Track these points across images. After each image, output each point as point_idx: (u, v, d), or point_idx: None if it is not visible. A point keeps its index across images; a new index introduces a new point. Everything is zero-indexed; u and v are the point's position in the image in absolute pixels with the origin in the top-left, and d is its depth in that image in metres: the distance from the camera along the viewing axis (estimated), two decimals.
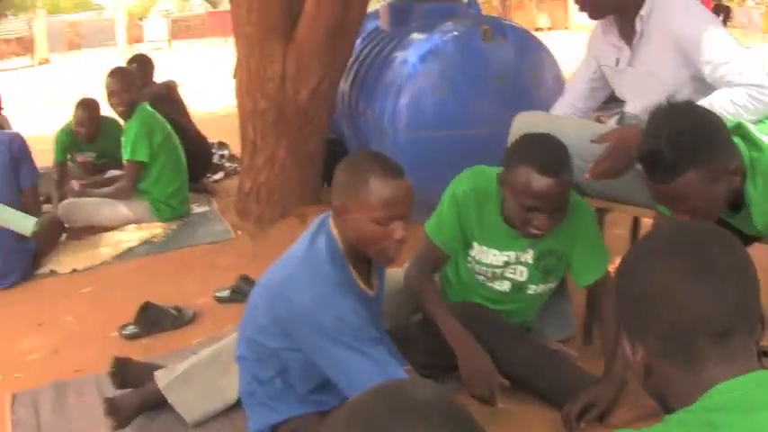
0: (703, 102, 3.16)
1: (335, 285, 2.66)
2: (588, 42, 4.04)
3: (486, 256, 3.44)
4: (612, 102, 4.26)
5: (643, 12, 3.47)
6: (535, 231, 3.15)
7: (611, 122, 3.95)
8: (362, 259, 2.82)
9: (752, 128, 2.78)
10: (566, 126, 3.78)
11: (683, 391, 1.48)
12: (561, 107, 4.17)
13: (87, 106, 6.91)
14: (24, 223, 4.03)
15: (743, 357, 1.45)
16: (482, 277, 3.53)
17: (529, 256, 3.42)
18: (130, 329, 4.30)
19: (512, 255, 3.41)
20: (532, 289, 3.53)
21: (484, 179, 3.39)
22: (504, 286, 3.53)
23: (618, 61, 3.72)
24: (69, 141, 7.03)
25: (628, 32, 3.61)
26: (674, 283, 1.48)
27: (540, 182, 3.03)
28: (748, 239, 3.07)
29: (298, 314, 2.66)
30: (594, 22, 3.88)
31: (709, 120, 2.62)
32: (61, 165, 6.99)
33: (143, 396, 3.38)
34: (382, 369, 2.62)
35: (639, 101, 3.62)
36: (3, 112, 8.34)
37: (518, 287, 3.51)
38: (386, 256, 2.72)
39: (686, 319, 1.45)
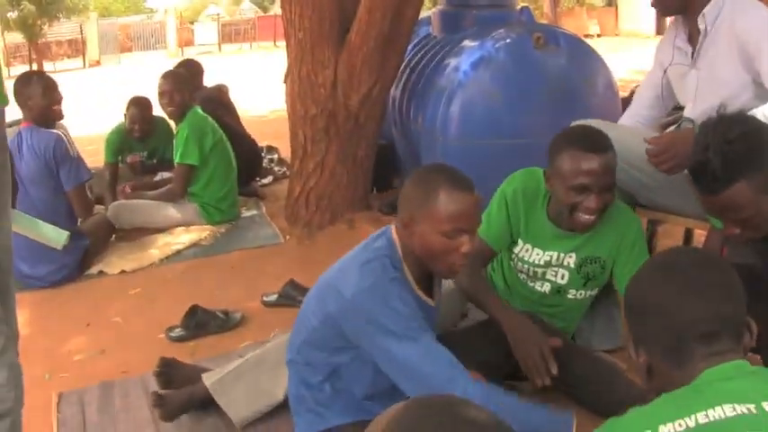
0: (756, 111, 3.13)
1: (387, 279, 2.66)
2: (656, 48, 4.01)
3: (530, 254, 3.49)
4: (677, 110, 4.22)
5: (706, 10, 3.45)
6: (585, 216, 3.21)
7: (671, 130, 3.90)
8: (423, 271, 2.81)
9: None
10: (621, 134, 3.76)
11: (678, 385, 1.71)
12: (627, 117, 4.15)
13: (140, 104, 7.01)
14: (56, 237, 4.04)
15: (728, 354, 1.72)
16: (523, 276, 3.58)
17: (572, 260, 3.44)
18: (177, 332, 4.31)
19: (554, 255, 3.44)
20: (572, 294, 3.54)
21: (533, 179, 3.45)
22: (545, 287, 3.56)
23: (682, 64, 3.70)
24: (121, 141, 7.09)
25: (695, 34, 3.58)
26: (668, 296, 1.79)
27: (586, 159, 3.12)
28: None
29: (347, 304, 2.67)
30: (651, 30, 3.88)
31: (760, 130, 2.59)
32: (112, 165, 7.03)
33: (191, 393, 3.39)
34: (432, 357, 2.62)
35: (699, 104, 3.58)
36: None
37: (557, 289, 3.53)
38: (451, 269, 2.72)
39: (677, 325, 1.76)
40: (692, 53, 3.63)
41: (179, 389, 3.46)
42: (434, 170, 2.78)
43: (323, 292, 2.81)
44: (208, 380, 3.38)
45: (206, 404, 3.39)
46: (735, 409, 1.56)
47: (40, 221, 4.55)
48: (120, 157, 7.10)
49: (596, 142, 3.17)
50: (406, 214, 2.69)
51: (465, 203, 2.62)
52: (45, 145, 5.15)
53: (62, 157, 5.21)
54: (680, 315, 1.76)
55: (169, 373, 3.55)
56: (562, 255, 3.43)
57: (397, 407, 1.36)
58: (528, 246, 3.49)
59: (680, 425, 1.57)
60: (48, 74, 6.29)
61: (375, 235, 2.85)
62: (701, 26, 3.49)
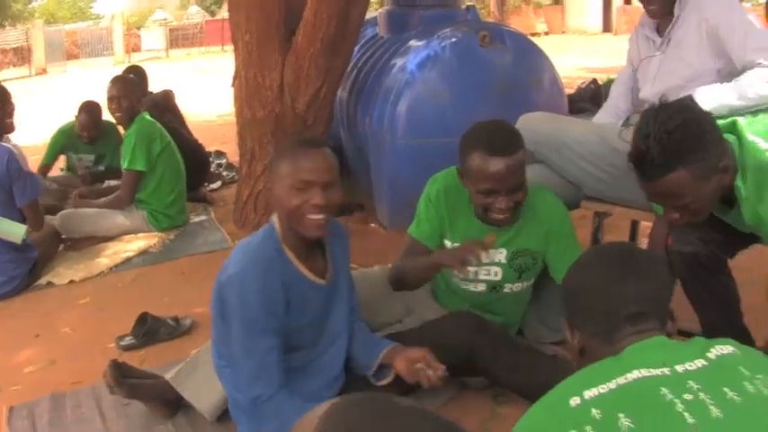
0: (729, 84, 3.28)
1: (257, 261, 2.76)
2: (628, 43, 4.11)
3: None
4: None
5: None
6: (497, 216, 3.25)
7: (619, 124, 3.94)
8: (308, 247, 2.93)
9: (743, 126, 2.81)
10: (570, 127, 3.80)
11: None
12: (604, 112, 4.24)
13: (90, 110, 7.03)
14: (15, 231, 4.03)
15: (651, 332, 1.90)
16: (456, 279, 3.59)
17: (502, 256, 3.47)
18: (128, 340, 4.27)
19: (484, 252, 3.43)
20: (508, 287, 3.57)
21: (455, 178, 3.44)
22: (480, 287, 3.58)
23: (649, 55, 3.79)
24: (65, 143, 7.20)
25: (664, 23, 3.67)
26: (601, 281, 1.99)
27: (492, 163, 3.12)
28: (747, 241, 3.09)
29: (217, 287, 2.83)
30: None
31: (700, 119, 2.64)
32: (45, 167, 7.22)
33: (149, 386, 3.46)
34: (252, 364, 2.75)
35: (658, 84, 3.65)
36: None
37: (493, 286, 3.56)
38: (307, 224, 2.80)
39: (609, 307, 1.94)
40: (661, 43, 3.70)
41: (129, 394, 3.46)
42: (290, 140, 3.05)
43: (216, 283, 2.89)
44: (168, 374, 3.41)
45: (167, 403, 3.44)
46: (650, 372, 1.73)
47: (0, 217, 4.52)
48: (66, 158, 7.29)
49: (502, 144, 3.16)
50: (269, 185, 2.88)
51: (310, 157, 2.77)
52: None
53: (16, 172, 5.13)
54: (611, 298, 1.95)
55: (120, 375, 3.52)
56: (492, 251, 3.41)
57: (328, 406, 1.38)
58: (456, 244, 3.48)
59: (602, 388, 1.72)
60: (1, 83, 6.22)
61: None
62: (676, 12, 3.58)
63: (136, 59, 32.57)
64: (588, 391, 1.73)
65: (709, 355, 1.79)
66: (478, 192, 3.21)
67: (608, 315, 1.94)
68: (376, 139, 5.85)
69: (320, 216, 2.77)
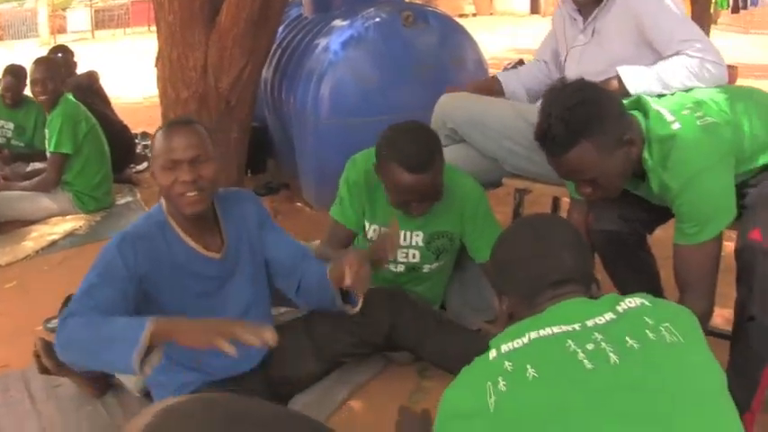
0: (654, 70, 3.29)
1: (123, 240, 2.80)
2: (552, 19, 4.13)
3: (378, 235, 3.56)
4: None
5: None
6: (416, 213, 3.33)
7: (538, 103, 4.01)
8: (196, 223, 2.97)
9: (649, 99, 2.92)
10: (490, 105, 3.86)
11: None
12: (514, 75, 4.30)
13: (14, 72, 7.00)
14: None
15: (572, 295, 2.02)
16: None
17: (419, 239, 3.54)
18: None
19: (401, 234, 3.53)
20: (427, 268, 3.65)
21: (374, 162, 3.47)
22: (399, 268, 3.66)
23: (575, 28, 3.81)
24: None
25: (590, 7, 3.68)
26: (526, 251, 2.13)
27: (409, 179, 3.18)
28: (665, 216, 3.18)
29: None
30: (526, 8, 4.00)
31: (599, 95, 2.74)
32: None
33: None
34: (85, 296, 2.66)
35: (580, 67, 3.68)
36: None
37: (412, 267, 3.64)
38: (181, 202, 2.84)
39: (533, 274, 2.08)
40: (584, 28, 3.74)
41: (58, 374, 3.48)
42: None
43: None
44: None
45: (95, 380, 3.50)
46: (561, 328, 1.86)
47: None
48: None
49: (420, 161, 3.18)
50: (150, 168, 2.93)
51: (177, 136, 2.82)
52: None
53: None
54: (536, 267, 2.08)
55: (50, 350, 3.54)
56: (409, 233, 3.52)
57: (148, 412, 1.41)
58: (375, 226, 3.57)
59: (516, 343, 1.86)
60: None
61: None
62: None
63: (61, 41, 31.86)
64: (504, 345, 1.87)
65: (618, 308, 1.92)
66: (394, 197, 3.30)
67: (533, 282, 2.08)
68: (300, 120, 5.89)
69: (192, 193, 2.81)
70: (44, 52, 7.58)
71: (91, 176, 6.29)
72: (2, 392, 3.66)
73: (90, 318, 2.51)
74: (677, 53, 3.28)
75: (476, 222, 3.53)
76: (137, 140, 8.29)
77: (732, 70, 4.06)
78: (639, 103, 2.92)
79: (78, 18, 41.34)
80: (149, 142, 8.43)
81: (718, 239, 2.81)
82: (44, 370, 3.48)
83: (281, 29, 6.51)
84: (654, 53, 3.42)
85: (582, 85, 2.78)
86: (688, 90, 3.14)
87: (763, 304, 2.69)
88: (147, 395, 3.37)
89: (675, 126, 2.77)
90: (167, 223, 2.93)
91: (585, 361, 1.77)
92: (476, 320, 3.72)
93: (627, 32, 3.50)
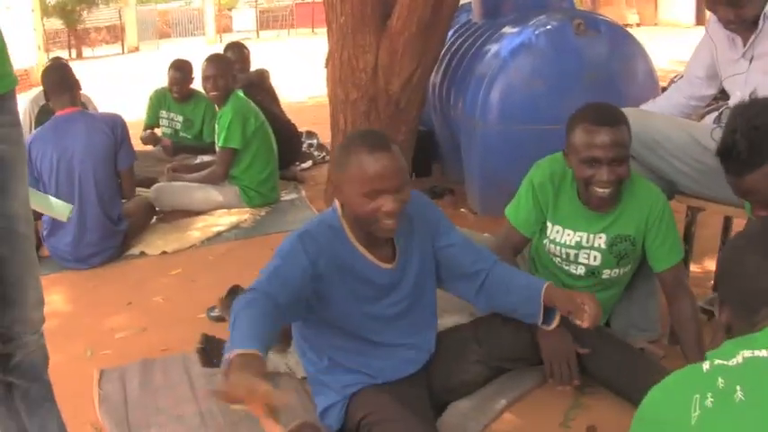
0: None
1: (303, 238, 2.77)
2: (707, 28, 4.05)
3: (561, 236, 3.56)
4: (716, 101, 4.25)
5: (766, 10, 3.49)
6: (599, 191, 3.29)
7: (709, 119, 3.91)
8: (374, 237, 2.89)
9: None
10: (661, 123, 3.79)
11: None
12: (676, 94, 4.28)
13: (180, 67, 7.30)
14: (62, 210, 4.18)
15: None
16: (558, 259, 3.64)
17: (602, 241, 3.49)
18: (217, 312, 4.35)
19: (584, 236, 3.51)
20: (607, 273, 3.59)
21: (559, 163, 3.51)
22: (579, 270, 3.61)
23: (732, 56, 3.74)
24: (160, 100, 7.51)
25: (746, 25, 3.59)
26: (752, 265, 1.89)
27: (594, 132, 3.22)
28: None
29: None
30: (691, 20, 3.93)
31: None
32: (151, 128, 7.50)
33: None
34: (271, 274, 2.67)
35: (748, 93, 3.60)
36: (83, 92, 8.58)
37: (592, 271, 3.58)
38: (382, 228, 2.77)
39: (758, 288, 1.86)
40: (743, 43, 3.65)
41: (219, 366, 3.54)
42: (354, 135, 2.88)
43: None
44: None
45: None
46: None
47: (49, 196, 4.69)
48: (157, 122, 7.61)
49: (605, 116, 3.26)
50: (333, 180, 2.83)
51: (380, 164, 2.69)
52: (113, 123, 5.39)
53: (126, 136, 5.45)
54: (758, 282, 1.88)
55: (210, 349, 3.60)
56: (591, 236, 3.48)
57: None
58: (558, 227, 3.55)
59: (731, 361, 1.70)
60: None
61: None
62: (761, 23, 3.52)
63: (227, 40, 32.77)
64: (720, 359, 1.74)
65: None
66: (582, 162, 3.27)
67: (753, 298, 1.90)
68: (468, 125, 5.87)
69: (392, 221, 2.75)
70: (210, 50, 7.77)
71: (258, 172, 6.42)
72: (163, 374, 3.77)
73: (252, 301, 2.54)
74: None
75: (659, 229, 3.45)
76: (302, 139, 8.41)
77: None
78: None
79: (244, 18, 42.50)
80: (314, 141, 8.57)
81: None
82: (207, 363, 3.56)
83: (450, 34, 6.52)
84: None
85: None
86: None
87: None
88: None
89: None
90: (342, 230, 2.87)
91: None
92: (639, 340, 3.67)
93: None
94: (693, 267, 4.39)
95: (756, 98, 2.74)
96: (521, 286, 3.17)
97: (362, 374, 3.01)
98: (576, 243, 3.52)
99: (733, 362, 1.72)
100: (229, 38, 33.00)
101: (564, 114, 5.40)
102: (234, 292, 4.38)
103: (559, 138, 3.47)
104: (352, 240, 2.87)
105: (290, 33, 40.49)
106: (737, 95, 3.69)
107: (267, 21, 42.64)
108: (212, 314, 4.37)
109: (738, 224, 4.17)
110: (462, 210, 6.14)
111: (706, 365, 1.75)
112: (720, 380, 1.69)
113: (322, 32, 6.41)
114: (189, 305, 4.61)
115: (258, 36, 39.07)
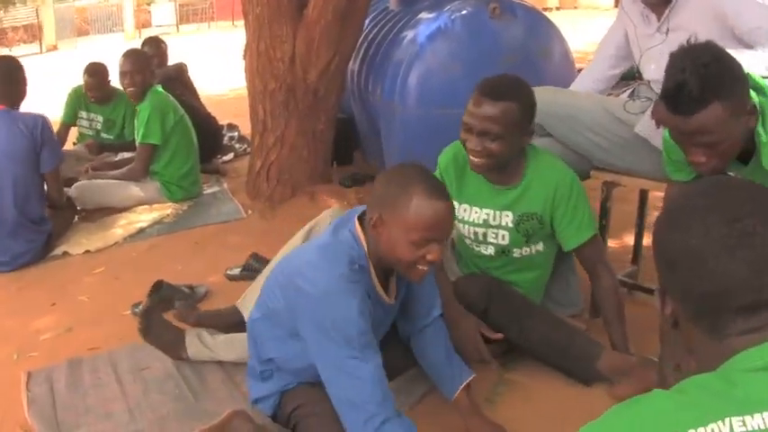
0: (753, 54, 3.26)
1: (348, 282, 2.60)
2: (619, 8, 4.10)
3: (469, 214, 3.60)
4: (622, 81, 4.32)
5: None
6: (473, 160, 3.34)
7: (624, 96, 3.96)
8: (384, 268, 2.80)
9: (757, 76, 2.84)
10: (577, 99, 3.84)
11: (703, 354, 1.43)
12: (587, 76, 4.34)
13: (93, 72, 7.16)
14: None
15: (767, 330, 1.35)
16: (469, 241, 3.68)
17: (509, 219, 3.52)
18: (141, 307, 4.32)
19: (491, 213, 3.55)
20: (517, 252, 3.61)
21: (462, 147, 3.50)
22: (489, 250, 3.64)
23: (646, 31, 3.79)
24: (78, 100, 7.38)
25: (660, 5, 3.65)
26: (709, 253, 1.38)
27: (475, 100, 3.31)
28: None
29: (304, 303, 2.65)
30: (610, 3, 3.96)
31: (729, 57, 2.67)
32: (66, 126, 7.40)
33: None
34: (369, 385, 2.56)
35: (665, 63, 3.66)
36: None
37: (502, 250, 3.62)
38: (414, 274, 2.69)
39: (716, 292, 1.38)
40: (657, 18, 3.70)
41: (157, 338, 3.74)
42: (410, 173, 2.66)
43: (287, 281, 2.78)
44: (239, 303, 3.78)
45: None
46: None
47: None
48: (75, 120, 7.50)
49: (493, 89, 3.31)
50: (376, 214, 2.62)
51: (438, 213, 2.57)
52: (34, 124, 5.23)
53: (47, 139, 5.31)
54: (719, 280, 1.39)
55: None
56: (498, 213, 3.51)
57: None
58: (466, 206, 3.59)
59: (712, 430, 1.22)
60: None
61: (339, 223, 2.83)
62: None
63: (146, 35, 32.41)
64: (694, 430, 1.23)
65: None
66: (462, 125, 3.35)
67: (712, 303, 1.40)
68: (387, 110, 5.88)
69: (427, 267, 2.66)
70: (129, 46, 7.67)
71: (179, 166, 6.37)
72: (90, 373, 3.74)
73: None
74: (758, 44, 3.26)
75: (567, 207, 3.44)
76: (223, 131, 8.36)
77: None
78: (749, 77, 2.80)
79: (163, 12, 41.95)
80: (235, 133, 8.53)
81: None
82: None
83: (367, 21, 6.52)
84: (737, 45, 3.36)
85: (711, 44, 2.70)
86: None
87: None
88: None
89: None
90: (368, 269, 2.72)
91: None
92: (561, 315, 3.71)
93: (706, 27, 3.41)
94: (611, 243, 4.47)
95: (695, 42, 2.76)
96: (444, 360, 3.14)
97: (306, 381, 2.98)
98: (483, 221, 3.55)
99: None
100: (149, 33, 32.66)
101: None
102: (158, 286, 4.36)
103: None
104: (373, 276, 2.77)
105: (211, 26, 40.22)
106: (652, 68, 3.74)
107: (187, 14, 42.20)
108: (137, 310, 4.32)
109: (653, 197, 4.25)
110: None
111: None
112: None
113: (242, 25, 6.36)
114: (113, 303, 4.56)
115: (178, 30, 38.71)
